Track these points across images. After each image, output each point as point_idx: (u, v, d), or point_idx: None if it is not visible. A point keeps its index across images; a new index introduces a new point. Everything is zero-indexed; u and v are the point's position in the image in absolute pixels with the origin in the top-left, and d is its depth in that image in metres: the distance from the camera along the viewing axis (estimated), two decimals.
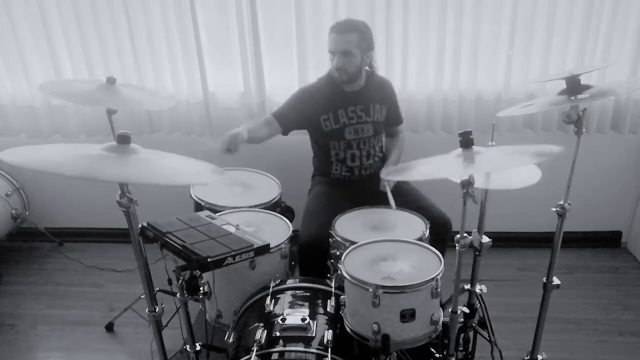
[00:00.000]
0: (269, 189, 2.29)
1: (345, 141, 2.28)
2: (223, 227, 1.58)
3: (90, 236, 3.18)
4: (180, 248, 1.41)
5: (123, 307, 2.41)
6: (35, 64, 2.75)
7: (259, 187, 2.31)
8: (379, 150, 2.39)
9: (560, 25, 2.50)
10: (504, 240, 2.79)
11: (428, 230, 1.91)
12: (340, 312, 1.62)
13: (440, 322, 1.58)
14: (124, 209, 1.39)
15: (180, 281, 1.41)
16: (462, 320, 1.90)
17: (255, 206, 2.12)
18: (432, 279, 1.49)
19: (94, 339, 2.36)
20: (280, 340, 1.48)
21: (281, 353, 1.44)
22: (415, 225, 1.95)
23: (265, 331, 1.49)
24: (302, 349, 1.45)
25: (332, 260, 1.93)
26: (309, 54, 2.60)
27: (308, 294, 1.72)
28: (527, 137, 2.71)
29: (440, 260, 1.58)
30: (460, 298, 1.58)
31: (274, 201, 2.19)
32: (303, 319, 1.52)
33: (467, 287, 1.93)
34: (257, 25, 2.56)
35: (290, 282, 1.77)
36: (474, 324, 1.95)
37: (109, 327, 2.40)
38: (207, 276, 1.67)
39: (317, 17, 2.53)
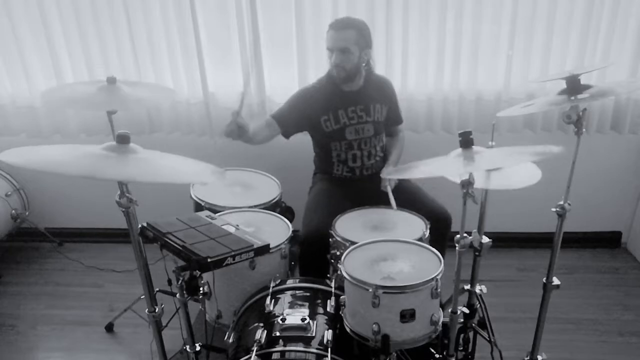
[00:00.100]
0: (269, 189, 2.29)
1: (346, 141, 2.28)
2: (223, 227, 1.58)
3: (90, 236, 3.18)
4: (180, 248, 1.41)
5: (123, 307, 2.41)
6: (35, 64, 2.75)
7: (259, 187, 2.30)
8: (380, 149, 2.39)
9: (560, 25, 2.50)
10: (504, 241, 2.79)
11: (428, 230, 1.91)
12: (340, 312, 1.62)
13: (440, 323, 1.58)
14: (124, 209, 1.39)
15: (180, 281, 1.41)
16: (462, 320, 1.90)
17: (255, 206, 2.12)
18: (432, 279, 1.49)
19: (94, 339, 2.36)
20: (280, 340, 1.48)
21: (281, 353, 1.45)
22: (415, 226, 1.95)
23: (265, 331, 1.49)
24: (302, 348, 1.45)
25: (332, 260, 1.93)
26: (309, 54, 2.60)
27: (308, 294, 1.72)
28: (527, 137, 2.71)
29: (440, 261, 1.58)
30: (460, 298, 1.58)
31: (274, 201, 2.19)
32: (303, 319, 1.52)
33: (467, 287, 1.93)
34: (257, 25, 2.56)
35: (290, 282, 1.77)
36: (474, 324, 1.95)
37: (109, 328, 2.40)
38: (207, 276, 1.67)
39: (317, 17, 2.53)
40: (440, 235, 2.05)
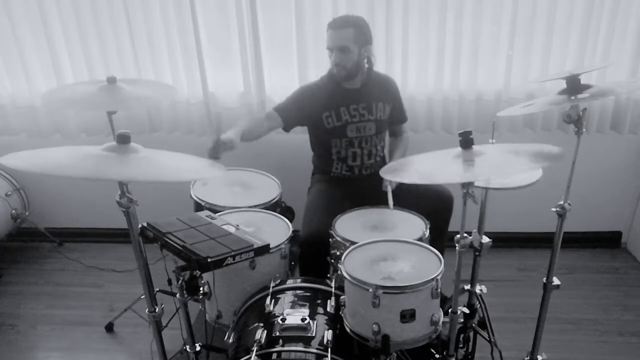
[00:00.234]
0: (269, 189, 2.29)
1: (347, 139, 2.28)
2: (223, 227, 1.58)
3: (90, 236, 3.18)
4: (180, 248, 1.41)
5: (123, 307, 2.41)
6: (35, 64, 2.75)
7: (259, 187, 2.30)
8: (381, 149, 2.39)
9: (560, 25, 2.50)
10: (504, 240, 2.79)
11: (428, 230, 1.91)
12: (340, 312, 1.61)
13: (440, 322, 1.58)
14: (124, 209, 1.40)
15: (180, 281, 1.41)
16: (462, 320, 1.90)
17: (255, 206, 2.12)
18: (432, 279, 1.49)
19: (94, 339, 2.36)
20: (280, 340, 1.48)
21: (281, 353, 1.44)
22: (415, 225, 1.95)
23: (265, 331, 1.49)
24: (302, 348, 1.45)
25: (332, 260, 1.93)
26: (309, 53, 2.60)
27: (308, 294, 1.72)
28: (527, 137, 2.71)
29: (441, 261, 1.58)
30: (460, 298, 1.58)
31: (274, 201, 2.19)
32: (303, 319, 1.52)
33: (467, 287, 1.93)
34: (257, 25, 2.56)
35: (290, 282, 1.77)
36: (474, 324, 1.95)
37: (109, 328, 2.40)
38: (207, 276, 1.67)
39: (317, 16, 2.53)
40: (443, 217, 2.08)
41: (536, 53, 2.55)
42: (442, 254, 1.61)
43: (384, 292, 1.46)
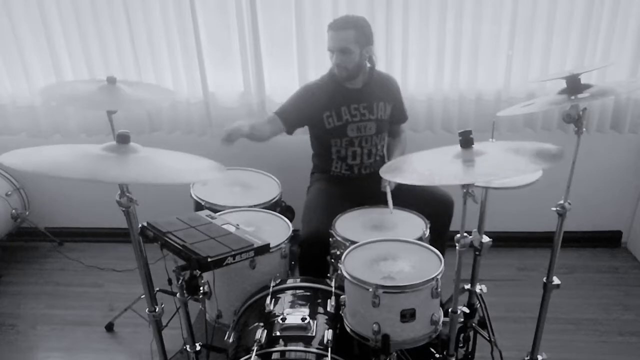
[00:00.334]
0: (269, 188, 2.29)
1: (347, 138, 2.28)
2: (223, 226, 1.58)
3: (90, 236, 3.18)
4: (180, 248, 1.41)
5: (123, 307, 2.41)
6: (35, 64, 2.75)
7: (259, 187, 2.30)
8: (381, 149, 2.39)
9: (560, 25, 2.50)
10: (504, 240, 2.79)
11: (428, 230, 1.91)
12: (340, 312, 1.61)
13: (441, 322, 1.57)
14: (124, 209, 1.40)
15: (180, 281, 1.41)
16: (462, 320, 1.90)
17: (255, 206, 2.12)
18: (432, 278, 1.49)
19: (94, 339, 2.36)
20: (280, 340, 1.48)
21: (281, 353, 1.44)
22: (415, 225, 1.95)
23: (265, 331, 1.49)
24: (302, 348, 1.45)
25: (332, 260, 1.93)
26: (309, 54, 2.60)
27: (308, 293, 1.72)
28: (527, 137, 2.71)
29: (441, 260, 1.58)
30: (460, 298, 1.58)
31: (274, 201, 2.19)
32: (303, 319, 1.52)
33: (467, 287, 1.93)
34: (257, 25, 2.56)
35: (290, 282, 1.77)
36: (474, 324, 1.95)
37: (109, 327, 2.40)
38: (207, 276, 1.67)
39: (317, 17, 2.53)
40: (443, 220, 2.08)
41: (536, 53, 2.55)
42: (442, 252, 1.61)
43: (384, 292, 1.46)
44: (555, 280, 1.69)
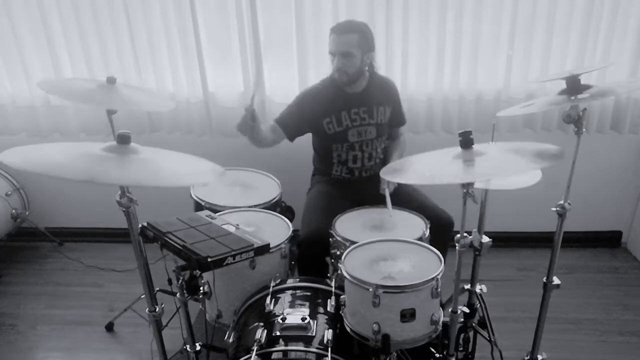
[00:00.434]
0: (269, 188, 2.29)
1: (348, 143, 2.28)
2: (223, 227, 1.58)
3: (90, 236, 3.18)
4: (180, 248, 1.41)
5: (123, 307, 2.41)
6: (35, 63, 2.75)
7: (259, 187, 2.31)
8: (381, 152, 2.39)
9: (560, 25, 2.50)
10: (504, 240, 2.79)
11: (428, 230, 1.91)
12: (340, 312, 1.62)
13: (440, 322, 1.58)
14: (124, 209, 1.40)
15: (180, 281, 1.41)
16: (462, 320, 1.90)
17: (255, 206, 2.12)
18: (432, 278, 1.49)
19: (94, 339, 2.36)
20: (281, 340, 1.48)
21: (281, 352, 1.45)
22: (415, 225, 1.95)
23: (266, 331, 1.49)
24: (302, 348, 1.45)
25: (332, 260, 1.93)
26: (309, 54, 2.60)
27: (308, 293, 1.72)
28: (527, 137, 2.71)
29: (441, 260, 1.58)
30: (460, 298, 1.58)
31: (274, 201, 2.19)
32: (303, 319, 1.52)
33: (467, 287, 1.93)
34: (257, 25, 2.56)
35: (290, 282, 1.77)
36: (474, 324, 1.95)
37: (109, 327, 2.40)
38: (207, 276, 1.67)
39: (317, 17, 2.53)
40: (442, 239, 2.04)
41: (536, 53, 2.55)
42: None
43: (384, 292, 1.46)
44: (555, 280, 1.69)
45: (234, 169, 2.40)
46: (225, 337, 1.63)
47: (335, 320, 1.60)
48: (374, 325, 1.49)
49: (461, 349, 1.95)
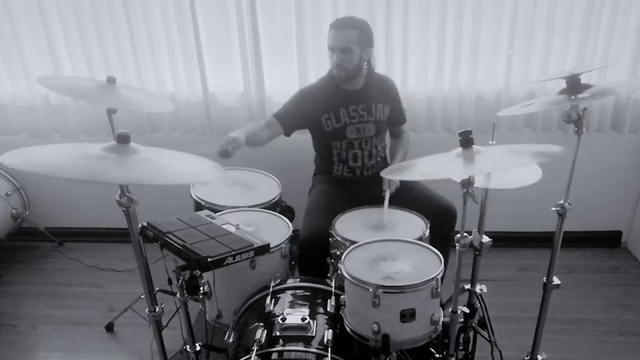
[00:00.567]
0: (269, 188, 2.29)
1: (347, 140, 2.28)
2: (223, 226, 1.58)
3: (90, 236, 3.18)
4: (180, 248, 1.41)
5: (123, 307, 2.41)
6: (35, 63, 2.75)
7: (259, 187, 2.30)
8: (382, 150, 2.39)
9: (560, 25, 2.50)
10: (504, 240, 2.79)
11: (428, 230, 1.91)
12: (340, 312, 1.61)
13: (440, 322, 1.58)
14: (124, 209, 1.39)
15: (180, 281, 1.41)
16: (462, 320, 1.90)
17: (255, 206, 2.12)
18: (432, 279, 1.49)
19: (94, 339, 2.36)
20: (280, 340, 1.48)
21: (281, 352, 1.44)
22: (415, 225, 1.95)
23: (265, 331, 1.49)
24: (302, 348, 1.45)
25: (332, 260, 1.93)
26: (309, 53, 2.60)
27: (308, 293, 1.72)
28: (527, 137, 2.71)
29: (441, 260, 1.58)
30: (460, 298, 1.58)
31: (274, 201, 2.19)
32: (303, 319, 1.52)
33: (467, 287, 1.93)
34: (257, 25, 2.56)
35: (290, 282, 1.77)
36: (474, 324, 1.95)
37: (109, 327, 2.40)
38: (207, 276, 1.67)
39: (317, 16, 2.53)
40: (445, 230, 2.07)
41: (536, 53, 2.55)
42: (446, 260, 1.60)
43: (384, 292, 1.46)
44: (555, 280, 1.69)
45: (234, 168, 2.40)
46: (225, 337, 1.63)
47: (335, 321, 1.60)
48: (374, 325, 1.48)
49: (461, 348, 1.95)
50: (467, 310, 1.85)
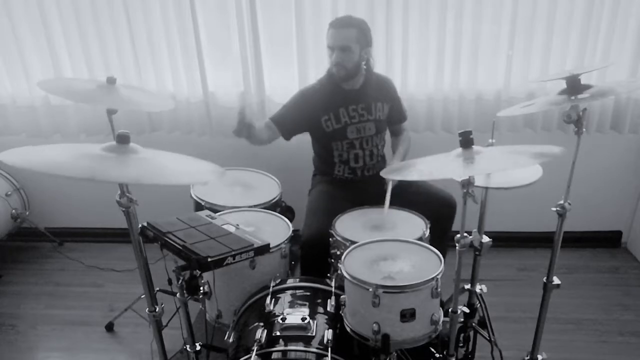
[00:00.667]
0: (269, 188, 2.29)
1: (347, 141, 2.28)
2: (223, 227, 1.58)
3: (90, 236, 3.18)
4: (180, 248, 1.41)
5: (123, 307, 2.41)
6: (35, 63, 2.75)
7: (259, 187, 2.31)
8: (382, 149, 2.39)
9: (560, 25, 2.50)
10: (504, 240, 2.79)
11: (428, 230, 1.91)
12: (340, 312, 1.62)
13: (441, 322, 1.58)
14: (124, 209, 1.39)
15: (180, 281, 1.41)
16: (462, 320, 1.90)
17: (255, 206, 2.12)
18: (432, 278, 1.49)
19: (94, 339, 2.36)
20: (280, 340, 1.48)
21: (281, 352, 1.45)
22: (415, 225, 1.95)
23: (265, 331, 1.49)
24: (302, 348, 1.45)
25: (333, 260, 1.93)
26: (309, 53, 2.60)
27: (308, 293, 1.72)
28: (527, 137, 2.71)
29: (441, 260, 1.58)
30: (460, 298, 1.58)
31: (274, 201, 2.19)
32: (303, 319, 1.52)
33: (467, 287, 1.93)
34: (257, 25, 2.56)
35: (290, 282, 1.77)
36: (474, 324, 1.95)
37: (109, 327, 2.40)
38: (207, 276, 1.67)
39: (317, 16, 2.53)
40: (445, 221, 2.10)
41: (536, 53, 2.55)
42: (444, 256, 1.61)
43: (384, 292, 1.46)
44: (555, 280, 1.69)
45: (234, 169, 2.40)
46: (225, 337, 1.63)
47: (335, 320, 1.60)
48: (374, 325, 1.49)
49: (461, 345, 1.95)
50: (467, 310, 1.85)
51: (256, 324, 1.57)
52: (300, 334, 1.50)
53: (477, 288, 1.92)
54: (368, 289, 1.47)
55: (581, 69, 1.57)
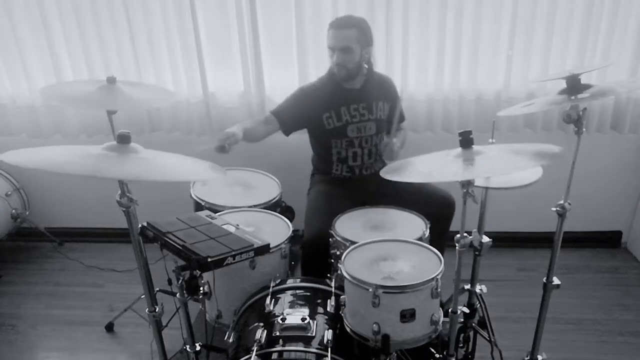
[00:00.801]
0: (269, 188, 2.29)
1: (347, 139, 2.28)
2: (223, 227, 1.58)
3: (90, 236, 3.18)
4: (180, 248, 1.41)
5: (123, 307, 2.41)
6: (35, 64, 2.75)
7: (259, 187, 2.30)
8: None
9: (560, 25, 2.50)
10: (504, 240, 2.79)
11: (428, 230, 1.91)
12: (340, 312, 1.62)
13: (440, 322, 1.58)
14: (124, 209, 1.40)
15: (180, 281, 1.41)
16: (462, 320, 1.90)
17: (255, 206, 2.12)
18: (432, 279, 1.49)
19: (94, 339, 2.36)
20: (280, 340, 1.48)
21: (281, 353, 1.44)
22: (415, 225, 1.95)
23: (265, 331, 1.49)
24: (302, 348, 1.45)
25: (332, 260, 1.93)
26: (309, 53, 2.60)
27: (308, 293, 1.72)
28: (527, 137, 2.71)
29: (441, 260, 1.58)
30: (460, 298, 1.58)
31: (274, 201, 2.19)
32: (303, 319, 1.52)
33: (467, 287, 1.93)
34: (257, 25, 2.56)
35: (290, 282, 1.77)
36: (474, 324, 1.95)
37: (109, 327, 2.40)
38: (207, 276, 1.67)
39: (317, 16, 2.53)
40: (444, 220, 2.11)
41: (536, 53, 2.55)
42: (442, 251, 1.61)
43: (384, 292, 1.46)
44: (555, 281, 1.69)
45: (234, 169, 2.40)
46: (225, 337, 1.63)
47: (335, 321, 1.60)
48: (374, 325, 1.49)
49: (461, 345, 1.95)
50: (467, 311, 1.85)
51: (256, 324, 1.57)
52: (300, 334, 1.49)
53: (477, 288, 1.92)
54: (368, 289, 1.47)
55: (581, 69, 1.57)
